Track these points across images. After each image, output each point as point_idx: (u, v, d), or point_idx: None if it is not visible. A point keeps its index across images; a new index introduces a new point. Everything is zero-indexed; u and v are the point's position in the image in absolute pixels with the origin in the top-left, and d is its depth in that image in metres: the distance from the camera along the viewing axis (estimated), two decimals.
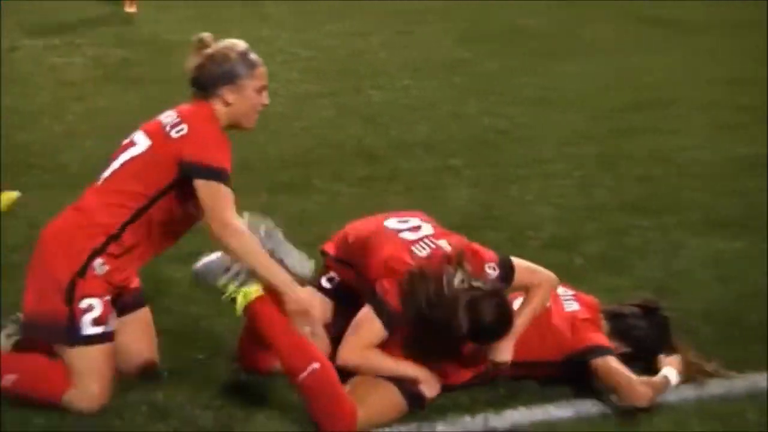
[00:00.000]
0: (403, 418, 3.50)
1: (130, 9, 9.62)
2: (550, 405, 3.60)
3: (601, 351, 3.70)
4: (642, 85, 8.26)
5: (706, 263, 4.89)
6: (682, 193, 5.85)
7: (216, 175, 3.40)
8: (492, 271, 3.61)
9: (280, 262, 3.42)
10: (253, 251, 3.39)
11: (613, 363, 3.67)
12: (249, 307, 3.39)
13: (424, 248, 3.59)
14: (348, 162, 6.09)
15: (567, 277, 4.00)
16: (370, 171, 5.85)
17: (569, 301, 3.89)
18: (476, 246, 3.71)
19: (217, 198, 3.39)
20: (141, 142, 3.53)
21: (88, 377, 3.43)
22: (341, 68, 7.98)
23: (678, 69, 8.92)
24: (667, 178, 6.06)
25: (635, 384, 3.61)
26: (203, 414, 3.45)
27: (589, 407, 3.62)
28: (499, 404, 3.53)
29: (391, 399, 3.48)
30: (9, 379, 3.47)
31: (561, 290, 3.91)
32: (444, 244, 3.64)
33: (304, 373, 3.33)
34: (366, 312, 3.51)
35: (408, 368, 3.50)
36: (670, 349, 3.86)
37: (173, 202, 3.49)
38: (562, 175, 6.01)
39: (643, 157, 6.41)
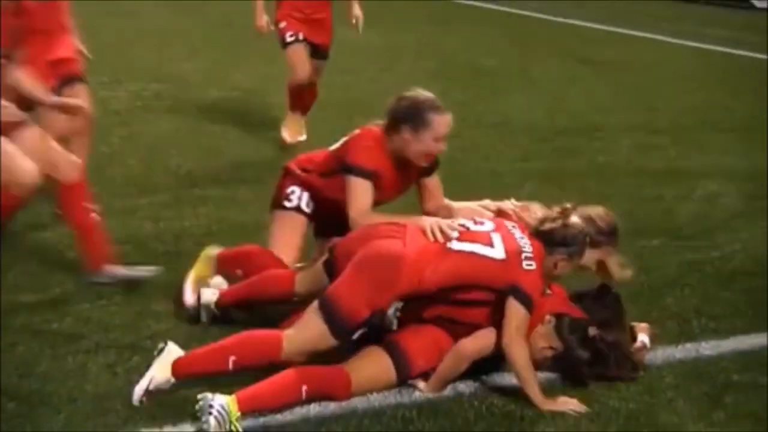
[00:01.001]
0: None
1: (290, 139, 6.73)
2: (507, 374, 3.59)
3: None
4: (577, 113, 8.31)
5: (631, 257, 4.90)
6: (613, 200, 5.86)
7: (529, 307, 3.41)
8: None
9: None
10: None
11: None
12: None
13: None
14: None
15: None
16: None
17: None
18: None
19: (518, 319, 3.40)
20: (498, 249, 3.42)
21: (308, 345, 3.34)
22: (336, 101, 7.98)
23: (606, 99, 8.99)
24: (601, 188, 6.08)
25: None
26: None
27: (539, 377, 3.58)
28: (465, 373, 3.52)
29: (384, 369, 3.37)
30: (231, 360, 3.26)
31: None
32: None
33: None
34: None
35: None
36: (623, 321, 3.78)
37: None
38: (515, 187, 6.01)
39: (580, 172, 6.45)
